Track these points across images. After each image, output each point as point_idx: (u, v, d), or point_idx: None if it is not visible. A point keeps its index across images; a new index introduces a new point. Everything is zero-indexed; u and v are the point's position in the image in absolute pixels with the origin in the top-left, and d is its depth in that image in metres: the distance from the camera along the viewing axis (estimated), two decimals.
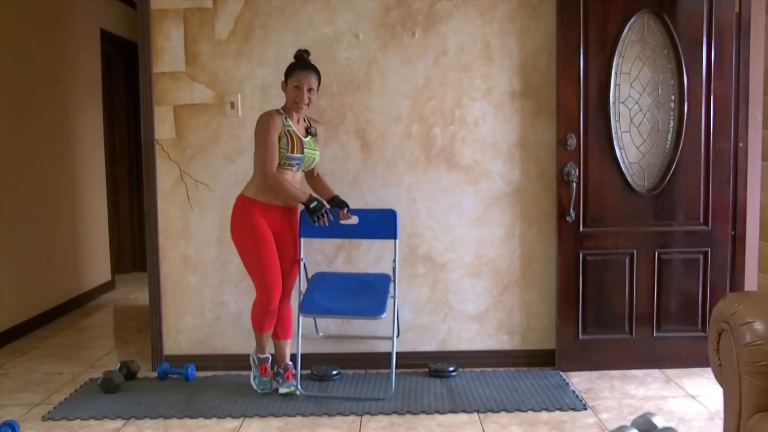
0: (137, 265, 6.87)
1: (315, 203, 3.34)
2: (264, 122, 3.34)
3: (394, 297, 3.48)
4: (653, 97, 3.70)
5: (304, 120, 3.48)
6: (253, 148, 3.81)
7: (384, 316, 3.33)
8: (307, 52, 3.48)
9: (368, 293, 3.49)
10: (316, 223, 3.33)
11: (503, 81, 3.78)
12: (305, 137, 3.41)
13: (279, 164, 3.34)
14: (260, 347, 3.51)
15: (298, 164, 3.37)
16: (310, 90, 3.35)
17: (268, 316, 3.43)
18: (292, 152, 3.33)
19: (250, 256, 3.38)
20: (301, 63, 3.42)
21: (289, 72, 3.40)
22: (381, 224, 3.59)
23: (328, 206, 3.40)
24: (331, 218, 3.36)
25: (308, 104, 3.37)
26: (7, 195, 4.61)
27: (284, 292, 3.49)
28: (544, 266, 3.85)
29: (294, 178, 3.41)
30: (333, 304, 3.44)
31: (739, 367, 2.04)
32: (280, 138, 3.32)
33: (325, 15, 3.74)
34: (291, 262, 3.51)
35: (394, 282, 3.53)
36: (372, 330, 3.84)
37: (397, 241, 3.58)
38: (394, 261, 3.56)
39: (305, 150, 3.38)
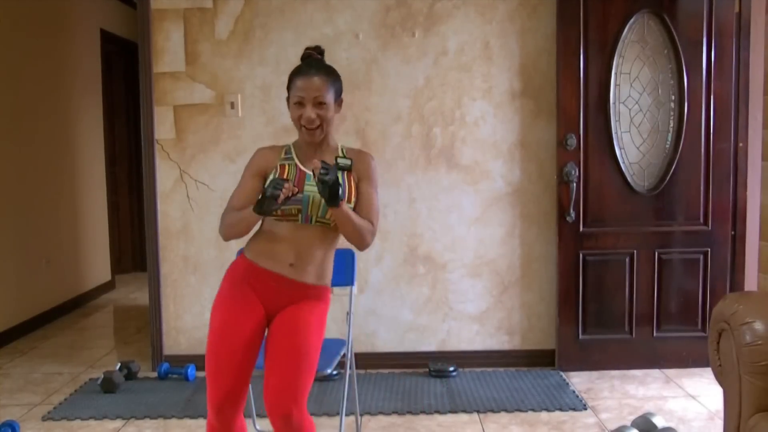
0: (137, 265, 6.86)
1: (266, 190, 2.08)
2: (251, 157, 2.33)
3: (347, 363, 2.71)
4: (653, 97, 3.70)
5: (339, 149, 2.30)
6: (253, 148, 3.82)
7: (328, 371, 2.57)
8: (318, 49, 2.38)
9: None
10: (276, 195, 2.02)
11: (503, 81, 3.78)
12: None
13: (270, 215, 2.16)
14: None
15: (297, 211, 2.15)
16: (319, 104, 2.17)
17: None
18: None
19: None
20: (302, 65, 2.28)
21: (289, 83, 2.25)
22: (337, 268, 2.56)
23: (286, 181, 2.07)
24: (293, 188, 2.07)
25: (320, 126, 2.19)
26: (7, 195, 4.61)
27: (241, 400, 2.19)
28: (544, 266, 3.85)
29: (305, 235, 2.17)
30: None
31: (739, 367, 2.04)
32: (268, 174, 2.24)
33: (325, 15, 3.74)
34: (282, 354, 2.13)
35: (349, 345, 2.76)
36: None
37: (354, 287, 2.84)
38: (349, 313, 2.76)
39: (306, 188, 2.16)
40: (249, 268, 2.22)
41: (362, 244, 2.20)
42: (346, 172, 2.18)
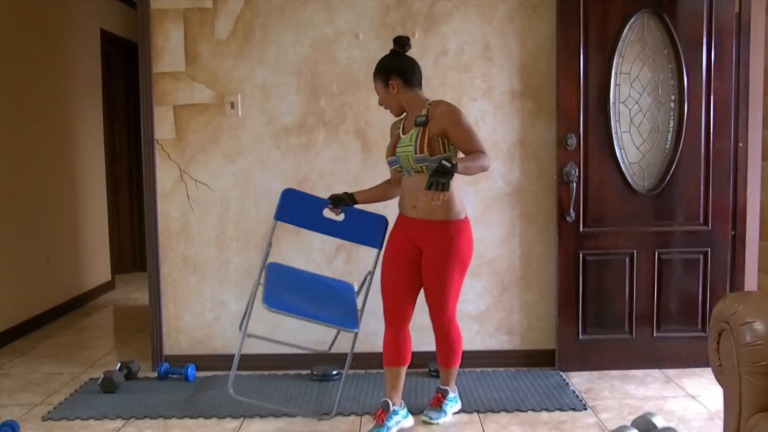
0: (137, 265, 6.86)
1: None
2: None
3: (360, 311, 3.15)
4: (653, 97, 3.70)
5: (424, 109, 2.96)
6: (253, 148, 3.83)
7: (357, 330, 3.04)
8: (399, 40, 3.01)
9: (336, 301, 3.14)
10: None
11: (503, 81, 3.78)
12: (406, 133, 2.96)
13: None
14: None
15: (401, 168, 2.96)
16: (378, 94, 3.04)
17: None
18: (387, 156, 3.03)
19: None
20: None
21: None
22: (367, 229, 3.24)
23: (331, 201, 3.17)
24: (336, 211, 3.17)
25: (387, 108, 3.03)
26: (7, 195, 4.61)
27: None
28: (544, 266, 3.85)
29: (413, 183, 2.91)
30: (302, 305, 3.05)
31: (739, 367, 2.04)
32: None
33: (325, 15, 3.74)
34: (426, 285, 3.00)
35: (361, 292, 3.19)
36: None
37: (381, 251, 3.15)
38: (371, 273, 3.22)
39: (397, 150, 2.93)
40: (399, 217, 3.05)
41: (486, 170, 2.92)
42: (420, 126, 2.88)
